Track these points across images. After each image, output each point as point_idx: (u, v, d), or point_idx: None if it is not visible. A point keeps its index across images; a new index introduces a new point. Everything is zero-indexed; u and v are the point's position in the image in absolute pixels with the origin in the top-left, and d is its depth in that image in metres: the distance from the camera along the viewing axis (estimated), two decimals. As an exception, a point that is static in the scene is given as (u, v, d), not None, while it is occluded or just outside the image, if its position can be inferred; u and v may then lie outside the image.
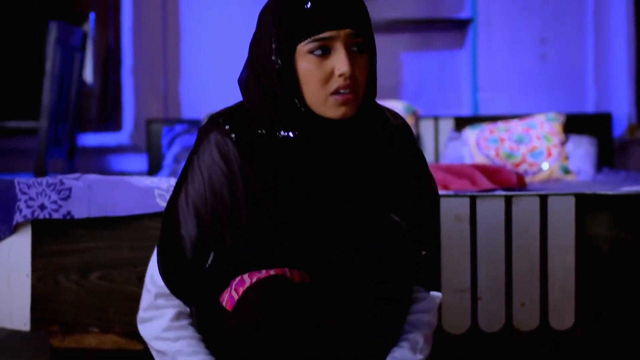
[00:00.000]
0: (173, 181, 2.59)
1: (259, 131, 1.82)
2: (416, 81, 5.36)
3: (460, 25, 5.28)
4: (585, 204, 2.64)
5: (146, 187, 2.56)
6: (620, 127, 5.04)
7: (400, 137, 1.93)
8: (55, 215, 2.50)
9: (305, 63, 1.75)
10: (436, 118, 4.95)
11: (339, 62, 1.73)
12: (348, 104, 1.76)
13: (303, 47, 1.74)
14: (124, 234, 2.55)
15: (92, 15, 5.47)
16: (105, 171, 5.23)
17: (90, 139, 5.35)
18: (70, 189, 2.53)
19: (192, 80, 5.34)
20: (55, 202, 2.51)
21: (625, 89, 4.96)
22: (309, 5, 1.72)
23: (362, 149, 1.85)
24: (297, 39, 1.74)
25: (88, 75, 5.47)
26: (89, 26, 5.46)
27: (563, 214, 2.62)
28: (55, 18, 4.24)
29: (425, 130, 4.89)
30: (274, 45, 1.75)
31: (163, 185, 2.57)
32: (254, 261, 1.82)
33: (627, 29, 4.92)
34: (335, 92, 1.74)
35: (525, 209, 2.63)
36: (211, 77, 5.26)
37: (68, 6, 5.46)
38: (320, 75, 1.74)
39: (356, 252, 1.81)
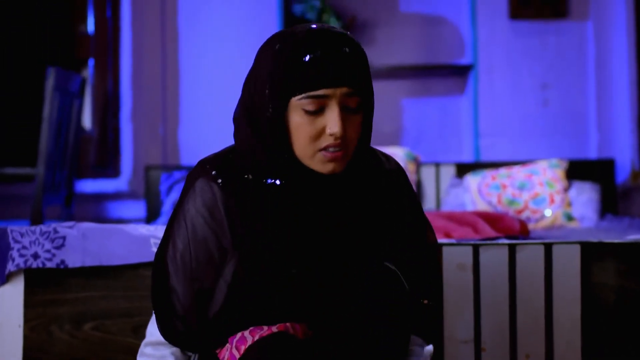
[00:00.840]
0: (169, 229, 2.53)
1: (246, 176, 1.78)
2: (417, 127, 5.34)
3: (461, 71, 5.26)
4: (591, 252, 2.59)
5: (142, 235, 2.52)
6: (623, 173, 4.99)
7: (394, 181, 1.90)
8: (49, 265, 2.45)
9: (298, 117, 1.71)
10: (437, 164, 4.92)
11: (331, 121, 1.70)
12: (336, 161, 1.73)
13: (296, 101, 1.70)
14: (119, 284, 2.50)
15: (91, 61, 5.47)
16: (103, 218, 5.21)
17: (88, 185, 5.32)
18: (64, 238, 2.48)
19: (192, 127, 5.31)
20: (48, 250, 2.46)
21: (628, 135, 4.92)
22: (307, 58, 1.68)
23: (352, 197, 1.82)
24: (291, 92, 1.70)
25: (87, 121, 5.45)
26: (88, 72, 5.46)
27: (568, 263, 2.58)
28: (53, 64, 4.23)
29: (426, 177, 4.85)
30: (267, 92, 1.72)
31: (159, 234, 2.52)
32: (246, 313, 1.77)
33: (629, 74, 4.88)
34: (325, 149, 1.71)
35: (530, 258, 2.58)
36: (210, 123, 5.23)
37: (67, 52, 5.45)
38: (311, 132, 1.71)
39: (351, 303, 1.75)
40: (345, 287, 1.77)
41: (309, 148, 1.71)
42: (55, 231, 2.48)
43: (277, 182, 1.76)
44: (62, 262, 2.47)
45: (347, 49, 1.71)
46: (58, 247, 2.47)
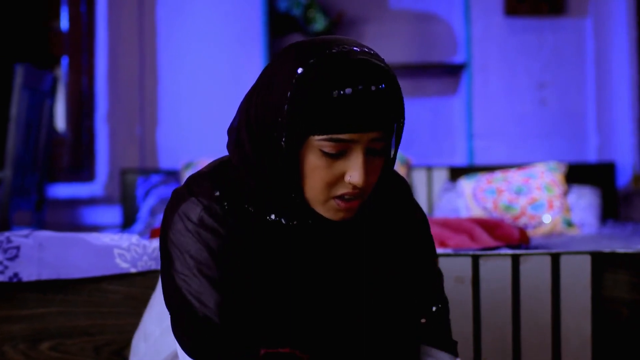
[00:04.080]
0: (135, 239, 2.40)
1: (246, 206, 1.55)
2: (408, 129, 5.21)
3: (454, 70, 5.18)
4: (602, 263, 2.45)
5: (105, 245, 2.35)
6: (624, 176, 4.90)
7: (417, 233, 1.71)
8: (1, 278, 2.30)
9: (314, 158, 1.47)
10: (429, 168, 4.85)
11: (354, 170, 1.46)
12: (350, 211, 1.52)
13: (315, 141, 1.45)
14: (79, 299, 2.35)
15: (64, 59, 5.37)
16: (77, 224, 5.11)
17: (61, 190, 5.23)
18: (18, 248, 2.32)
19: (171, 128, 5.19)
20: (0, 262, 2.31)
21: (629, 136, 4.83)
22: (335, 94, 1.42)
23: (361, 238, 1.61)
24: (312, 130, 1.45)
25: (60, 122, 5.37)
26: (62, 70, 5.37)
27: (577, 275, 2.44)
28: (25, 61, 4.17)
29: (418, 181, 4.76)
30: (282, 122, 1.46)
31: (124, 244, 2.36)
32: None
33: (630, 73, 4.82)
34: (340, 196, 1.49)
35: (535, 270, 2.44)
36: (190, 125, 5.14)
37: (39, 49, 5.36)
38: (328, 177, 1.48)
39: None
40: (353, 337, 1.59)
41: (323, 194, 1.50)
42: (9, 240, 2.33)
43: (283, 220, 1.54)
44: (16, 275, 2.31)
45: (383, 86, 1.46)
46: (11, 259, 2.33)
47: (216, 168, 1.60)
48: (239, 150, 1.55)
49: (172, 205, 1.57)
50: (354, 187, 1.48)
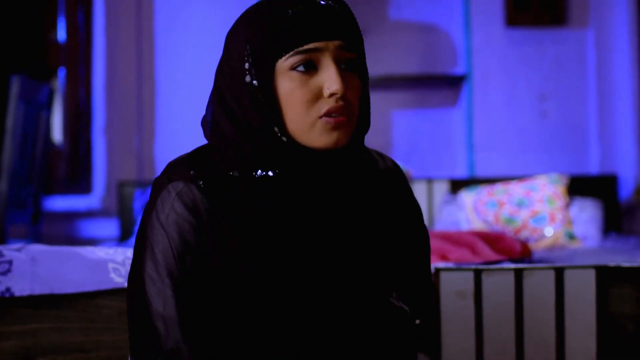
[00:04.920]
0: (130, 253, 2.36)
1: (231, 173, 1.50)
2: (408, 141, 5.23)
3: (454, 82, 5.14)
4: (608, 277, 2.41)
5: (99, 259, 2.29)
6: (626, 189, 4.87)
7: (391, 183, 1.65)
8: None
9: (287, 82, 1.46)
10: (430, 180, 4.82)
11: (329, 79, 1.45)
12: (341, 129, 1.47)
13: (284, 63, 1.46)
14: (73, 314, 2.29)
15: (62, 71, 5.35)
16: (73, 237, 5.07)
17: (58, 203, 5.19)
18: (10, 262, 2.26)
19: (168, 140, 5.16)
20: None
21: (631, 148, 4.81)
22: (290, 12, 1.45)
23: (356, 190, 1.56)
24: (277, 53, 1.45)
25: (57, 134, 5.34)
26: (59, 82, 5.35)
27: (582, 290, 2.39)
28: (22, 73, 4.14)
29: (418, 193, 4.73)
30: (247, 65, 1.47)
31: (118, 258, 2.30)
32: (237, 333, 1.48)
33: (632, 84, 4.79)
34: (326, 114, 1.46)
35: (538, 284, 2.40)
36: (188, 136, 4.95)
37: (36, 61, 5.34)
38: (306, 95, 1.45)
39: (356, 347, 1.52)
40: (350, 324, 1.52)
41: (307, 117, 1.46)
42: (1, 254, 2.26)
43: (270, 173, 1.49)
44: (8, 289, 2.25)
45: (330, 2, 1.49)
46: (3, 273, 2.27)
47: (194, 151, 1.57)
48: (217, 130, 1.53)
49: (151, 196, 1.53)
50: (336, 99, 1.45)
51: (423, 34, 5.21)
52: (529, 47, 5.13)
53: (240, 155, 1.49)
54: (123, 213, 4.81)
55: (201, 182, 1.49)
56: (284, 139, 1.47)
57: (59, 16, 5.32)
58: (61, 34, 5.32)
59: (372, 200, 1.59)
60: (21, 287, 2.24)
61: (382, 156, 1.69)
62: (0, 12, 5.27)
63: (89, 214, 5.16)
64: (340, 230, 1.53)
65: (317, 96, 1.46)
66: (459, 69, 5.16)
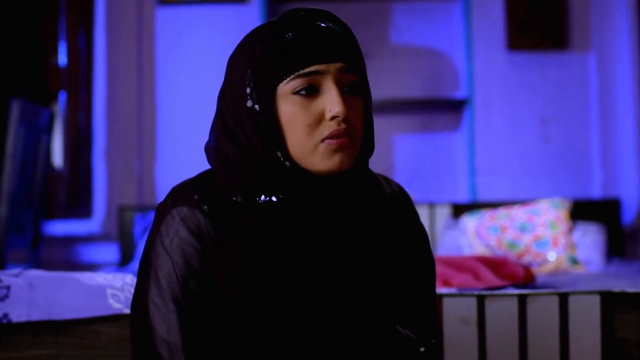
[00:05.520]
0: (129, 278, 2.33)
1: (234, 199, 1.49)
2: (409, 165, 5.20)
3: (456, 106, 5.11)
4: (613, 303, 2.37)
5: (98, 285, 2.27)
6: (629, 213, 4.83)
7: (397, 207, 1.64)
8: None
9: (289, 106, 1.45)
10: (432, 205, 4.76)
11: (330, 102, 1.44)
12: (344, 151, 1.46)
13: (285, 87, 1.45)
14: (71, 341, 2.26)
15: (62, 94, 5.33)
16: (73, 262, 5.04)
17: (58, 227, 5.16)
18: (8, 288, 2.23)
19: (169, 164, 5.13)
20: None
21: (634, 172, 4.78)
22: (290, 35, 1.44)
23: (360, 214, 1.53)
24: (278, 77, 1.45)
25: (57, 158, 5.32)
26: (59, 106, 5.32)
27: (587, 316, 2.36)
28: (23, 96, 4.12)
29: (420, 218, 4.61)
30: (248, 89, 1.46)
31: (117, 283, 2.28)
32: (241, 358, 1.46)
33: (634, 108, 4.76)
34: (328, 137, 1.45)
35: (542, 310, 2.36)
36: (189, 160, 5.00)
37: (37, 84, 5.32)
38: (307, 119, 1.45)
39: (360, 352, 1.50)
40: (353, 350, 1.50)
41: (309, 140, 1.45)
42: None
43: (274, 198, 1.47)
44: (5, 315, 2.22)
45: (331, 24, 1.48)
46: (1, 299, 2.25)
47: (197, 176, 1.56)
48: (220, 155, 1.52)
49: (155, 221, 1.52)
50: (338, 122, 1.44)
51: (425, 58, 5.19)
52: (531, 71, 5.11)
53: (244, 180, 1.48)
54: (123, 238, 4.77)
55: (205, 207, 1.48)
56: (287, 163, 1.46)
57: (60, 40, 5.31)
58: (62, 58, 5.32)
59: (376, 224, 1.57)
60: (19, 313, 2.21)
61: (388, 180, 1.67)
62: (1, 35, 5.26)
63: (89, 239, 5.12)
64: (344, 255, 1.50)
65: (319, 120, 1.45)
66: (460, 93, 5.14)
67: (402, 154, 5.18)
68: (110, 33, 5.14)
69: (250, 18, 5.01)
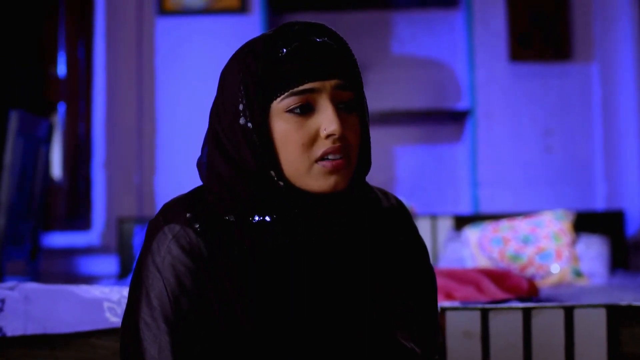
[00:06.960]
0: (126, 292, 2.28)
1: (227, 218, 1.45)
2: (411, 177, 5.18)
3: (458, 117, 5.09)
4: (619, 317, 2.33)
5: (94, 298, 2.24)
6: (633, 225, 4.80)
7: (395, 221, 1.60)
8: None
9: (283, 124, 1.41)
10: (433, 217, 4.73)
11: (326, 120, 1.40)
12: (339, 172, 1.42)
13: (279, 104, 1.41)
14: (67, 355, 2.24)
15: (61, 105, 5.31)
16: (72, 274, 5.01)
17: (57, 239, 5.15)
18: (3, 301, 2.22)
19: (169, 176, 5.11)
20: None
21: (638, 184, 4.75)
22: (284, 51, 1.40)
23: (358, 231, 1.50)
24: (271, 94, 1.41)
25: (56, 169, 5.30)
26: (58, 117, 5.31)
27: (592, 330, 2.32)
28: (21, 107, 4.10)
29: (422, 230, 4.65)
30: (241, 106, 1.42)
31: (114, 297, 2.25)
32: None
33: (638, 118, 4.74)
34: (322, 157, 1.41)
35: (547, 324, 2.32)
36: (189, 172, 4.92)
37: (35, 95, 5.30)
38: (302, 138, 1.41)
39: None
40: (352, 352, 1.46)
41: (303, 160, 1.42)
42: None
43: (267, 218, 1.44)
44: (0, 329, 2.20)
45: (327, 39, 1.44)
46: None
47: (190, 193, 1.53)
48: (212, 171, 1.49)
49: (147, 238, 1.49)
50: (333, 140, 1.40)
51: (426, 69, 5.17)
52: (534, 82, 5.09)
53: (237, 199, 1.45)
54: (123, 250, 4.75)
55: (197, 226, 1.45)
56: (281, 183, 1.43)
57: (59, 51, 5.31)
58: (61, 69, 5.31)
59: (375, 240, 1.53)
60: (14, 326, 2.20)
61: (385, 194, 1.64)
62: (1, 46, 5.25)
63: (88, 251, 5.10)
64: (342, 274, 1.47)
65: (314, 138, 1.41)
66: (462, 104, 5.11)
67: (404, 165, 5.16)
68: (110, 43, 5.13)
69: (251, 28, 4.99)
